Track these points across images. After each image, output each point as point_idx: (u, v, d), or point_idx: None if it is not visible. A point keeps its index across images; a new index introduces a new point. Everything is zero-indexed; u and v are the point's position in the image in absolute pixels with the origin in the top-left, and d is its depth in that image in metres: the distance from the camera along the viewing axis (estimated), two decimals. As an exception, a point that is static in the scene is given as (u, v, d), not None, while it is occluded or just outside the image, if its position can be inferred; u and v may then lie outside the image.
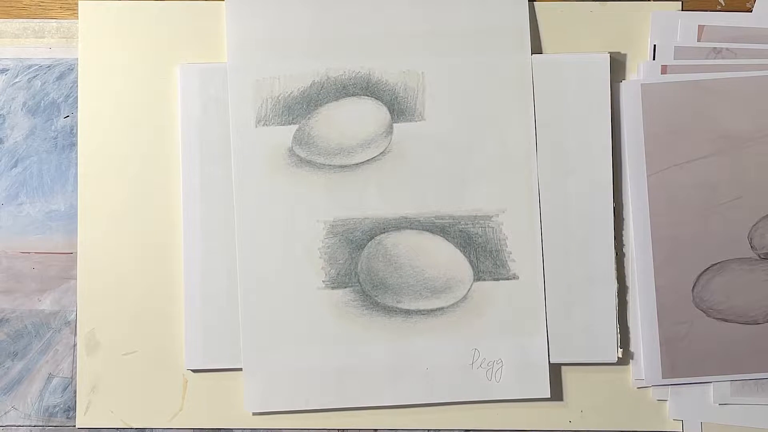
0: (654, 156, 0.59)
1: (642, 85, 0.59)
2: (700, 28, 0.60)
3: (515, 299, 0.58)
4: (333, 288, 0.58)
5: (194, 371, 0.59)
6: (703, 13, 0.60)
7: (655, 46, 0.60)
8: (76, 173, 0.60)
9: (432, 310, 0.58)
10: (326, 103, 0.58)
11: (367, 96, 0.58)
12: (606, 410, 0.60)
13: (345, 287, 0.58)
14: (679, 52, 0.60)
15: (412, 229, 0.58)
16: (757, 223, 0.59)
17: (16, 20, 0.61)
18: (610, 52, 0.60)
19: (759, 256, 0.59)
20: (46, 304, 0.61)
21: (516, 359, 0.57)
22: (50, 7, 0.62)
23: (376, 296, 0.58)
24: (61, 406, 0.60)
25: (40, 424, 0.60)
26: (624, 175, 0.60)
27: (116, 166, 0.60)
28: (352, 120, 0.58)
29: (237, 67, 0.58)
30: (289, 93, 0.58)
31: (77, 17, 0.61)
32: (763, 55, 0.59)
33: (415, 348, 0.58)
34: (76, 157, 0.60)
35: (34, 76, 0.61)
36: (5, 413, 0.60)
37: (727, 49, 0.59)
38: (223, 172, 0.59)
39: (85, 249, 0.60)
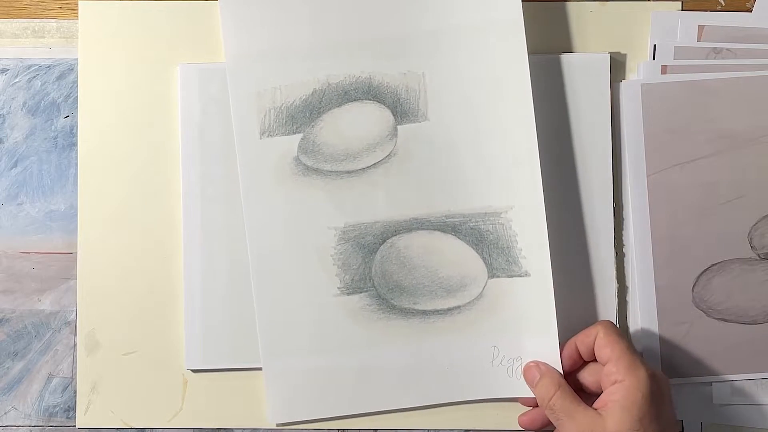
0: (654, 156, 0.59)
1: (642, 85, 0.59)
2: (700, 28, 0.60)
3: (528, 296, 0.57)
4: (348, 294, 0.57)
5: (194, 371, 0.59)
6: (703, 13, 0.60)
7: (655, 46, 0.60)
8: (76, 173, 0.60)
9: (449, 309, 0.58)
10: (329, 109, 0.58)
11: (370, 100, 0.58)
12: (606, 410, 0.60)
13: (360, 292, 0.57)
14: (679, 52, 0.60)
15: (423, 229, 0.58)
16: (757, 223, 0.59)
17: (16, 20, 0.61)
18: (610, 52, 0.60)
19: (759, 256, 0.59)
20: (46, 304, 0.61)
21: (534, 356, 0.56)
22: (50, 7, 0.62)
23: (392, 299, 0.57)
24: (61, 406, 0.60)
25: (40, 424, 0.60)
26: (624, 175, 0.60)
27: (116, 166, 0.60)
28: (356, 125, 0.58)
29: (237, 80, 0.58)
30: (291, 102, 0.58)
31: (77, 17, 0.61)
32: (763, 55, 0.59)
33: (434, 348, 0.57)
34: (76, 157, 0.60)
35: (34, 76, 0.61)
36: (5, 413, 0.60)
37: (727, 49, 0.59)
38: (224, 172, 0.59)
39: (85, 249, 0.60)
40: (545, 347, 0.56)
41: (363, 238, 0.58)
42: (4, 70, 0.61)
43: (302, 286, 0.57)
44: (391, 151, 0.58)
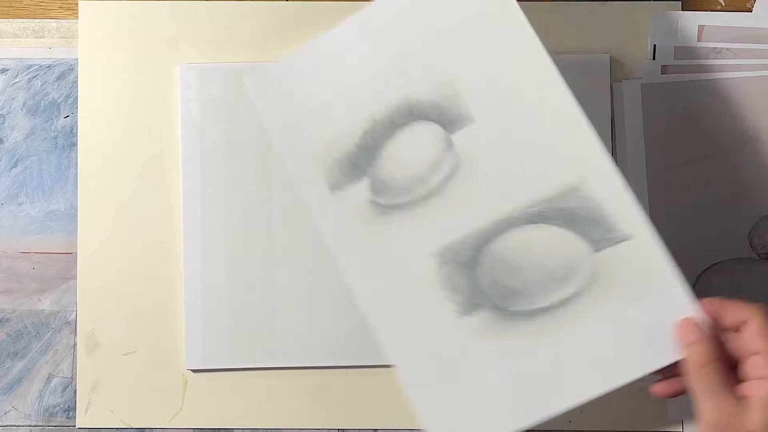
0: (654, 156, 0.59)
1: (642, 85, 0.59)
2: (700, 28, 0.60)
3: (638, 258, 0.54)
4: (466, 314, 0.56)
5: (194, 371, 0.59)
6: (703, 13, 0.60)
7: (655, 46, 0.60)
8: (76, 173, 0.60)
9: (569, 298, 0.55)
10: (384, 144, 0.57)
11: (416, 120, 0.58)
12: (606, 410, 0.60)
13: (477, 309, 0.56)
14: (679, 52, 0.60)
15: (513, 227, 0.56)
16: (757, 223, 0.59)
17: (16, 20, 0.62)
18: (610, 52, 0.60)
19: (759, 256, 0.59)
20: (46, 304, 0.61)
21: (669, 316, 0.53)
22: (50, 7, 0.62)
23: (509, 306, 0.55)
24: (61, 406, 0.60)
25: (40, 424, 0.60)
26: (624, 174, 0.59)
27: (116, 166, 0.60)
28: (413, 149, 0.57)
29: (291, 149, 0.57)
30: (348, 151, 0.57)
31: (77, 17, 0.61)
32: (763, 55, 0.59)
33: (570, 342, 0.54)
34: (76, 157, 0.60)
35: (34, 76, 0.61)
36: (5, 413, 0.60)
37: (727, 49, 0.59)
38: (224, 172, 0.59)
39: (85, 249, 0.60)
40: (675, 302, 0.53)
41: (460, 255, 0.56)
42: (4, 70, 0.61)
43: (422, 322, 0.55)
44: (454, 163, 0.57)
